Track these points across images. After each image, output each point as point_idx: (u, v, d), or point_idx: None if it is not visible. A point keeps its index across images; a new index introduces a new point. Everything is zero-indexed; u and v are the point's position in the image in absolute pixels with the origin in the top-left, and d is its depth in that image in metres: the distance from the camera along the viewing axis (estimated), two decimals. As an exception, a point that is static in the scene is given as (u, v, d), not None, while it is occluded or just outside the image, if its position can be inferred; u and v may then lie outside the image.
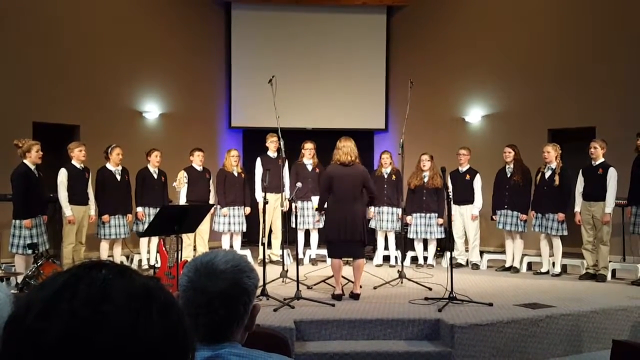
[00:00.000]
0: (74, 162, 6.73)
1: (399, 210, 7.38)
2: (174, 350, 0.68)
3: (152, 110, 9.06)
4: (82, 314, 0.63)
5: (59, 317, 0.63)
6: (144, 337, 0.65)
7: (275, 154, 7.63)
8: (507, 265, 7.35)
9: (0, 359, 0.65)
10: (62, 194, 6.56)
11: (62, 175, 6.60)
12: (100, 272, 0.69)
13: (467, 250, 7.71)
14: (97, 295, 0.65)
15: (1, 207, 6.75)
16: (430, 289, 5.79)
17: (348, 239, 5.36)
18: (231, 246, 7.61)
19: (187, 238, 7.16)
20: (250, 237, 8.72)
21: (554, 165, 6.85)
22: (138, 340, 0.64)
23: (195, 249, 7.42)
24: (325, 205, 5.60)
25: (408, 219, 7.54)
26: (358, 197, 5.47)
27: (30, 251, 5.86)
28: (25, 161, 6.09)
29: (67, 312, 0.63)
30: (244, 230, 7.81)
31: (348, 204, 5.38)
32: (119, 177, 7.08)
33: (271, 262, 7.44)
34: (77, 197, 6.67)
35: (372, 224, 7.60)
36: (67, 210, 6.56)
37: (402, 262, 6.52)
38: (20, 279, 5.59)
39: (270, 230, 7.71)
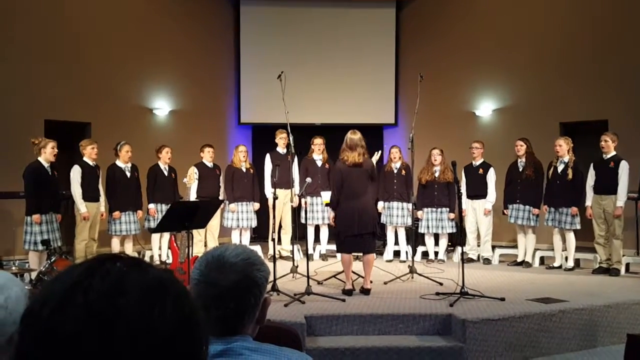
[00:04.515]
0: (85, 159, 6.79)
1: (409, 205, 7.36)
2: (188, 342, 0.68)
3: (162, 107, 9.10)
4: (98, 307, 0.63)
5: (75, 310, 0.63)
6: (158, 329, 0.65)
7: (285, 150, 7.63)
8: (519, 259, 7.31)
9: (17, 352, 0.65)
10: (77, 191, 6.63)
11: (76, 172, 6.66)
12: (114, 264, 0.69)
13: (479, 245, 7.67)
14: (111, 288, 0.65)
15: (16, 205, 6.82)
16: (441, 284, 5.77)
17: (361, 233, 5.35)
18: (241, 242, 7.64)
19: (197, 234, 7.19)
20: (260, 233, 8.73)
21: (566, 159, 6.80)
22: (153, 333, 0.64)
23: (205, 245, 7.45)
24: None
25: (419, 213, 7.51)
26: (367, 190, 5.47)
27: (43, 247, 5.91)
28: (39, 158, 6.16)
29: (82, 305, 0.63)
30: (254, 225, 7.83)
31: (358, 198, 5.38)
32: (128, 174, 7.14)
33: (281, 257, 7.45)
34: (90, 193, 6.74)
35: (382, 219, 7.58)
36: (82, 206, 6.62)
37: (412, 257, 6.51)
38: (34, 275, 5.65)
39: (280, 226, 7.72)
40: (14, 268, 5.19)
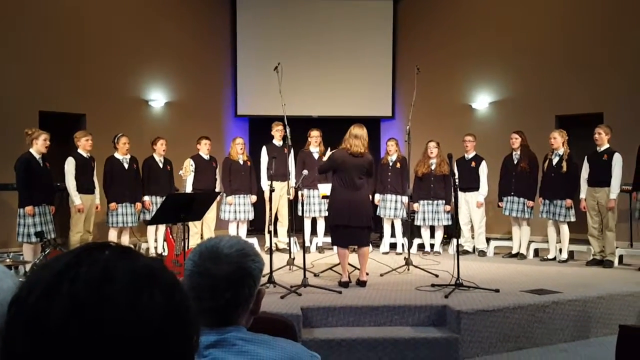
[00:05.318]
0: (80, 151, 6.77)
1: (404, 198, 7.37)
2: (178, 331, 0.68)
3: (157, 98, 9.06)
4: (85, 295, 0.63)
5: (61, 298, 0.62)
6: (147, 318, 0.64)
7: (281, 143, 7.62)
8: (514, 251, 7.34)
9: (3, 339, 0.65)
10: (71, 183, 6.61)
11: (70, 164, 6.65)
12: (102, 253, 0.68)
13: (473, 237, 7.70)
14: (99, 276, 0.64)
15: (11, 197, 6.79)
16: (436, 275, 5.79)
17: (353, 225, 5.34)
18: (238, 234, 7.63)
19: (193, 226, 7.18)
20: (257, 225, 8.74)
21: (561, 151, 6.82)
22: (141, 321, 0.64)
23: (202, 237, 7.45)
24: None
25: (415, 206, 7.53)
26: (363, 184, 5.48)
27: (37, 239, 5.90)
28: (30, 150, 6.14)
29: (69, 293, 0.63)
30: (251, 218, 7.82)
31: (352, 190, 5.37)
32: (126, 166, 7.12)
33: (278, 250, 7.46)
34: (84, 185, 6.72)
35: (378, 212, 7.59)
36: (76, 199, 6.60)
37: (408, 250, 6.53)
38: (28, 267, 5.64)
39: (276, 218, 7.72)
40: (8, 260, 5.18)
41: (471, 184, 7.49)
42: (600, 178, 6.50)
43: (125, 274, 0.66)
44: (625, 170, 6.48)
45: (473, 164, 7.56)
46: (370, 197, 6.32)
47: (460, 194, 7.44)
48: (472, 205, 7.53)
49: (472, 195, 7.53)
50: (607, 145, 6.55)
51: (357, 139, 5.37)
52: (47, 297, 0.63)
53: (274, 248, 5.85)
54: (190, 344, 0.70)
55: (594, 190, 6.59)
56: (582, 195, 6.70)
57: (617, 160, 6.42)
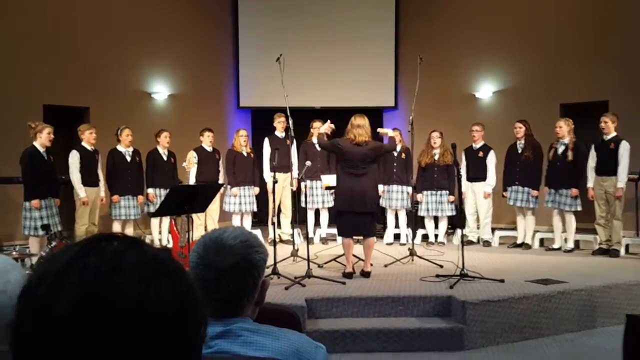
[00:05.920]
0: (84, 144, 6.79)
1: (409, 189, 7.35)
2: (185, 321, 0.68)
3: (160, 91, 9.05)
4: (93, 285, 0.63)
5: (70, 289, 0.62)
6: (155, 308, 0.64)
7: (283, 134, 7.61)
8: (519, 241, 7.32)
9: (13, 331, 0.64)
10: (75, 176, 6.64)
11: (74, 157, 6.67)
12: (110, 243, 0.68)
13: (478, 228, 7.68)
14: (107, 267, 0.64)
15: (17, 190, 6.81)
16: (441, 266, 5.78)
17: (358, 211, 5.32)
18: (242, 226, 7.63)
19: (197, 218, 7.20)
20: (260, 217, 8.75)
21: (566, 140, 6.77)
22: (149, 312, 0.64)
23: (206, 229, 7.46)
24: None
25: (419, 196, 7.51)
26: (368, 171, 5.40)
27: (42, 232, 5.92)
28: (34, 143, 6.16)
29: (78, 284, 0.63)
30: (255, 210, 7.83)
31: (357, 176, 5.34)
32: (129, 158, 7.13)
33: (281, 241, 7.47)
34: (89, 178, 6.75)
35: (382, 203, 7.58)
36: (81, 191, 6.63)
37: (412, 240, 6.52)
38: (34, 260, 5.67)
39: (280, 210, 7.72)
40: (14, 253, 5.21)
41: (479, 174, 7.46)
42: (608, 167, 6.46)
43: (133, 264, 0.65)
44: (631, 159, 6.44)
45: (481, 153, 7.51)
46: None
47: (468, 184, 7.43)
48: (479, 196, 7.50)
49: (480, 185, 7.49)
50: (614, 134, 6.50)
51: (360, 128, 5.36)
52: (57, 288, 0.63)
53: (277, 239, 5.86)
54: (198, 333, 0.70)
55: (601, 179, 6.55)
56: (590, 184, 6.66)
57: (625, 148, 6.37)
